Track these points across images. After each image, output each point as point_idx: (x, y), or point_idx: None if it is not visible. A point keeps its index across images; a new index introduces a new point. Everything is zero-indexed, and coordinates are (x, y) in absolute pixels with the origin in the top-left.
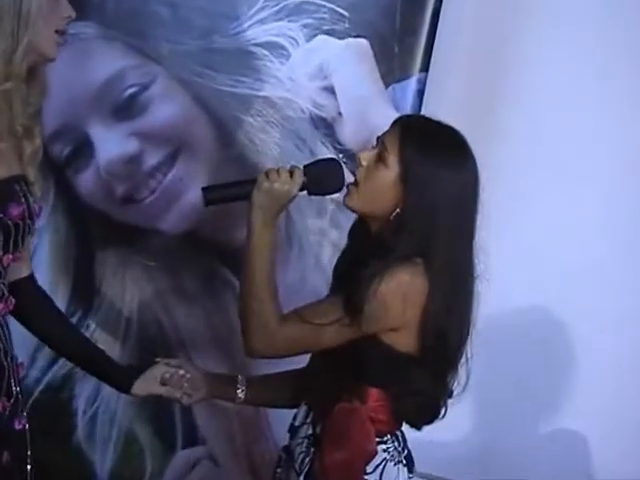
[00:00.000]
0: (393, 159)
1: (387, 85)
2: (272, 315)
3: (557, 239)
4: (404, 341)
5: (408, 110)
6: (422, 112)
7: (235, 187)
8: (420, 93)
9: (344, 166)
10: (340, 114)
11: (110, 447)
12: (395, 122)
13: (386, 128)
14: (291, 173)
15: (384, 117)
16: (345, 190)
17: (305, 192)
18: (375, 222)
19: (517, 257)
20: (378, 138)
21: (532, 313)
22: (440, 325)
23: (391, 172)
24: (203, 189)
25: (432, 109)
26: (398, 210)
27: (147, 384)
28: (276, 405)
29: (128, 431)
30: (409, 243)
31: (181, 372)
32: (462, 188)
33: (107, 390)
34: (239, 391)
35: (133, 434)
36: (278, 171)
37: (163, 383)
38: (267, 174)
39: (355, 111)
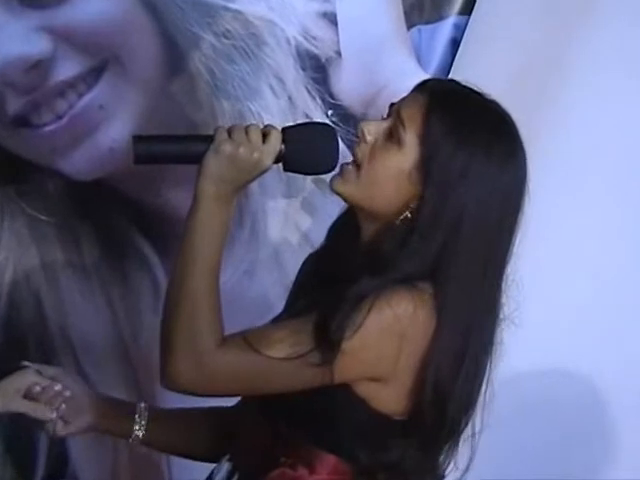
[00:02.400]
0: (412, 139)
1: (411, 25)
2: (210, 333)
3: (614, 278)
4: (385, 397)
5: (434, 62)
6: (454, 67)
7: (182, 143)
8: (454, 42)
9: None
10: (339, 54)
11: None
12: (420, 87)
13: (400, 85)
14: (264, 135)
15: (399, 68)
16: (337, 169)
17: (279, 165)
18: (371, 222)
19: (557, 294)
20: (392, 106)
21: (562, 376)
22: (443, 384)
23: (407, 156)
24: (135, 138)
25: (467, 66)
26: (408, 212)
27: (5, 397)
28: (185, 453)
29: None
30: (417, 260)
31: (57, 387)
32: (503, 193)
33: None
34: (137, 427)
35: None
36: (247, 130)
37: (30, 398)
38: (230, 132)
39: (360, 53)
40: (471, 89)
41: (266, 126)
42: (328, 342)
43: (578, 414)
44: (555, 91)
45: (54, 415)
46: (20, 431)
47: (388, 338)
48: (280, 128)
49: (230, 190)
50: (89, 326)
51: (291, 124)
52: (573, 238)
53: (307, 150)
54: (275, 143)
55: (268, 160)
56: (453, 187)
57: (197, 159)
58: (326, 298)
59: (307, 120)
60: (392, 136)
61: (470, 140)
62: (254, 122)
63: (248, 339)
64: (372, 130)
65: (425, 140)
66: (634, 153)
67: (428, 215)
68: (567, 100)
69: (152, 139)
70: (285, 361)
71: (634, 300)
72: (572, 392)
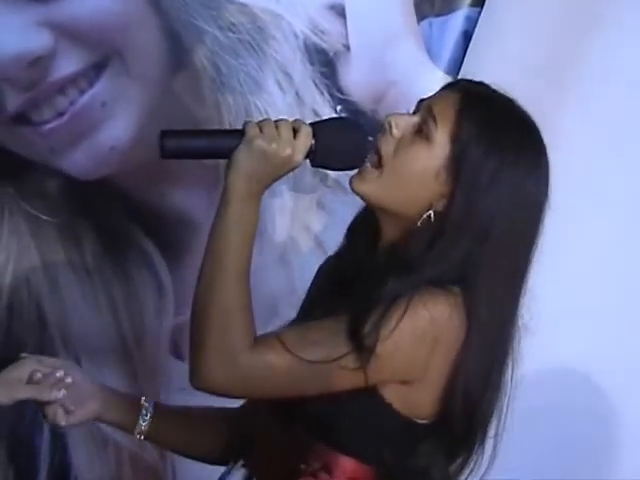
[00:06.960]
0: (443, 136)
1: (421, 17)
2: (242, 334)
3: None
4: (412, 401)
5: (446, 55)
6: (466, 60)
7: (211, 138)
8: (466, 35)
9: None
10: (347, 48)
11: None
12: (451, 85)
13: (410, 79)
14: (295, 131)
15: (409, 61)
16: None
17: (307, 161)
18: (392, 223)
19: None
20: (421, 101)
21: (582, 381)
22: (472, 392)
23: (437, 153)
24: (164, 133)
25: (479, 59)
26: (431, 212)
27: (9, 387)
28: (193, 453)
29: None
30: (445, 262)
31: (59, 373)
32: (530, 200)
33: None
34: (142, 420)
35: None
36: (277, 125)
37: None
38: (261, 127)
39: (369, 47)
40: (501, 93)
41: (295, 121)
42: (362, 346)
43: (590, 421)
44: (569, 84)
45: (61, 394)
46: (22, 439)
47: (422, 341)
48: (309, 123)
49: (261, 186)
50: (90, 327)
51: (319, 119)
52: (588, 246)
53: (337, 145)
54: (306, 139)
55: (299, 156)
56: (484, 190)
57: (226, 154)
58: (355, 300)
59: (335, 115)
60: (421, 132)
61: (501, 144)
62: (283, 117)
63: (282, 340)
64: (401, 124)
65: (457, 138)
66: None
67: (458, 216)
68: (582, 94)
69: (180, 134)
70: (319, 364)
71: None
72: (584, 399)
